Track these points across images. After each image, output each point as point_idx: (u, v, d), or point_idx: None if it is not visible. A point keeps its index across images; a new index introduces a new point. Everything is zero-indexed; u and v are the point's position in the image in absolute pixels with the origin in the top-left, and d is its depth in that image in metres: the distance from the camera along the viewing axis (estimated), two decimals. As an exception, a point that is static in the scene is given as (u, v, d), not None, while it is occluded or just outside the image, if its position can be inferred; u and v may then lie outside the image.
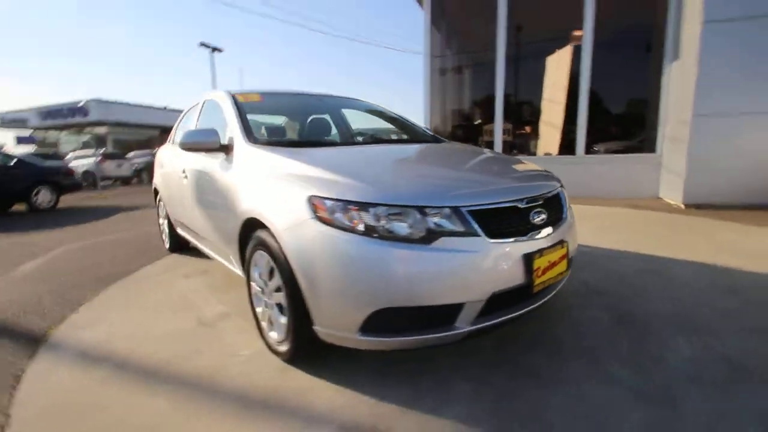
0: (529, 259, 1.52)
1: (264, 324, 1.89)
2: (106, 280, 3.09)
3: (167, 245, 3.85)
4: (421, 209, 1.41)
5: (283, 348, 1.72)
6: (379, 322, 1.40)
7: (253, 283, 1.94)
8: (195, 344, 1.99)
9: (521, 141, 7.99)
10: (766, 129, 4.76)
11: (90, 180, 14.46)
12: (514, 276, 1.49)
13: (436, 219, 1.42)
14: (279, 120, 3.19)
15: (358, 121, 3.22)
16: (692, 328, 1.96)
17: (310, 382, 1.61)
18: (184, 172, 2.78)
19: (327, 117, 2.97)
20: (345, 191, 1.47)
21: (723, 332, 1.91)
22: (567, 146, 6.70)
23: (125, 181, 16.25)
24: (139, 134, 27.37)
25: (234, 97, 2.49)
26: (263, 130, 2.54)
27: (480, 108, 9.54)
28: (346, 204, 1.44)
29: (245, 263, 1.97)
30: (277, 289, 1.69)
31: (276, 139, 2.32)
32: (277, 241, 1.61)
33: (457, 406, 1.44)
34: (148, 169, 16.46)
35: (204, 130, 2.20)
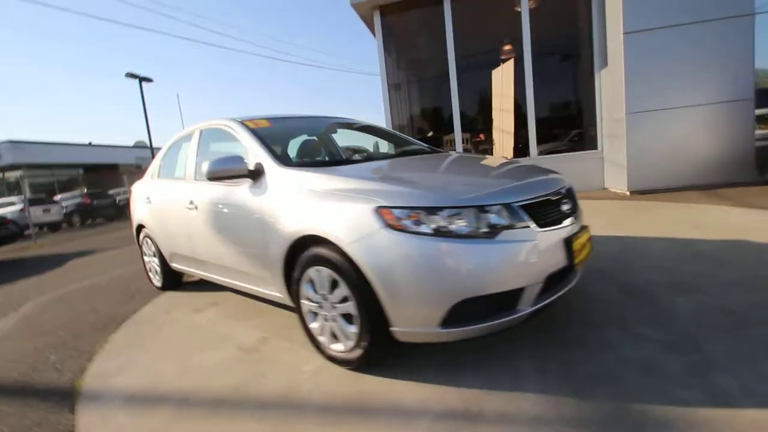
0: (569, 242, 1.75)
1: (323, 339, 1.94)
2: (107, 326, 2.90)
3: (158, 284, 3.67)
4: (481, 208, 1.60)
5: (353, 355, 1.79)
6: (457, 314, 1.55)
7: (304, 301, 1.99)
8: (252, 369, 1.98)
9: (478, 148, 8.56)
10: (683, 121, 5.59)
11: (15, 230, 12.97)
12: (560, 258, 1.72)
13: (493, 215, 1.61)
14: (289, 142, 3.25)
15: (354, 139, 3.37)
16: (683, 288, 2.32)
17: (389, 384, 1.70)
18: (192, 203, 2.73)
19: (333, 137, 3.08)
20: (409, 199, 1.62)
21: (707, 288, 2.28)
22: (521, 149, 7.31)
23: (53, 227, 14.77)
24: (60, 175, 25.15)
25: (245, 125, 2.54)
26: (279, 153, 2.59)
27: (429, 120, 10.08)
28: (413, 210, 1.58)
29: (292, 283, 2.02)
30: (343, 300, 1.78)
31: (306, 160, 2.38)
32: (342, 254, 1.70)
33: (532, 380, 1.61)
34: (80, 212, 15.75)
35: (230, 158, 2.23)
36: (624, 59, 5.62)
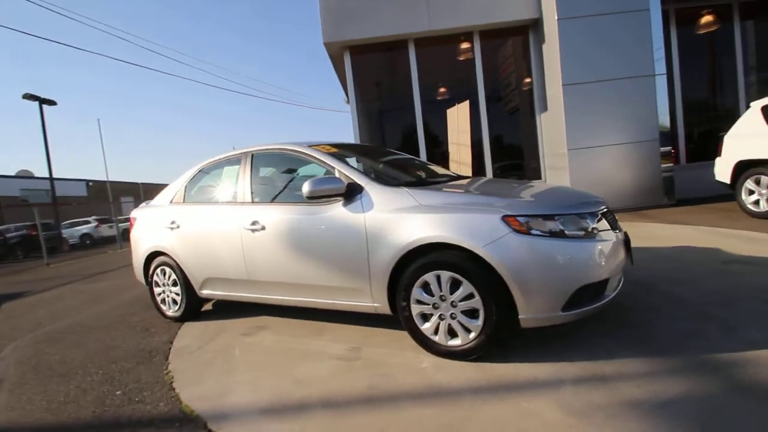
0: (627, 243, 2.28)
1: (436, 337, 2.17)
2: (149, 359, 2.71)
3: (175, 314, 3.47)
4: (581, 215, 2.05)
5: (472, 346, 2.05)
6: (574, 299, 1.94)
7: (414, 305, 2.21)
8: (370, 372, 2.11)
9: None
10: (610, 156, 6.88)
11: None
12: (624, 255, 2.23)
13: (588, 221, 2.06)
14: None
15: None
16: (673, 281, 3.01)
17: (512, 367, 2.00)
18: (256, 224, 2.77)
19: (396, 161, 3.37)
20: (529, 209, 2.01)
21: (691, 279, 3.00)
22: (478, 179, 8.20)
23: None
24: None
25: (323, 150, 2.74)
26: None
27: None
28: (534, 218, 1.97)
29: (399, 290, 2.23)
30: (466, 298, 2.05)
31: (396, 181, 2.62)
32: (469, 256, 2.00)
33: (622, 350, 2.04)
34: (25, 243, 15.28)
35: (327, 179, 2.41)
36: (564, 105, 6.81)
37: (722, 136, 5.54)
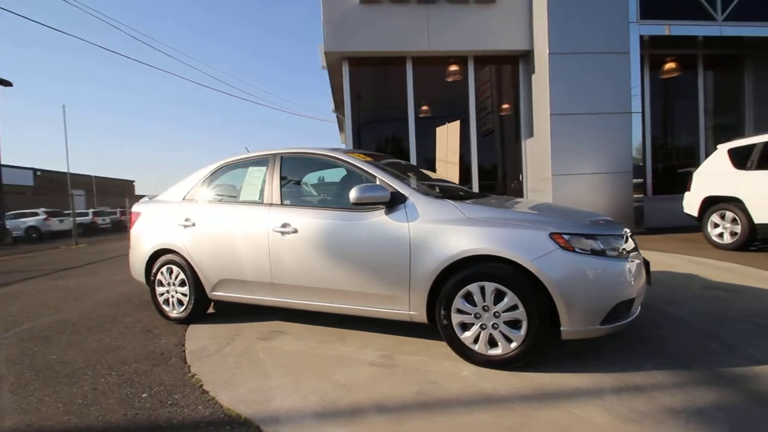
0: (647, 265, 2.48)
1: (476, 346, 2.25)
2: (163, 362, 2.59)
3: (180, 315, 3.32)
4: (615, 237, 2.22)
5: (513, 355, 2.15)
6: (612, 313, 2.09)
7: (455, 315, 2.28)
8: (414, 379, 2.15)
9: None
10: (590, 183, 7.35)
11: None
12: (645, 277, 2.42)
13: (620, 242, 2.24)
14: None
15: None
16: (667, 302, 3.27)
17: (553, 377, 2.10)
18: (286, 226, 2.75)
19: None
20: (572, 228, 2.16)
21: (682, 301, 3.28)
22: (464, 196, 8.46)
23: None
24: None
25: (362, 158, 2.78)
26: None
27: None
28: (577, 236, 2.12)
29: (439, 299, 2.30)
30: (510, 309, 2.15)
31: (439, 194, 2.68)
32: (516, 269, 2.11)
33: (646, 362, 2.21)
34: None
35: (372, 186, 2.45)
36: (550, 133, 7.24)
37: (691, 173, 6.12)
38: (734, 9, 7.51)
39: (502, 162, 8.82)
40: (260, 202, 3.00)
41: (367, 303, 2.58)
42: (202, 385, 2.21)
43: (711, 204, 5.72)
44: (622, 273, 2.13)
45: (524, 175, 8.37)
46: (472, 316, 2.25)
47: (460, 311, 2.28)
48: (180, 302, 3.33)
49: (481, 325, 2.24)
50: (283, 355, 2.58)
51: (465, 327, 2.29)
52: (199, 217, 3.20)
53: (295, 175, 3.09)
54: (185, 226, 3.24)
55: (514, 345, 2.17)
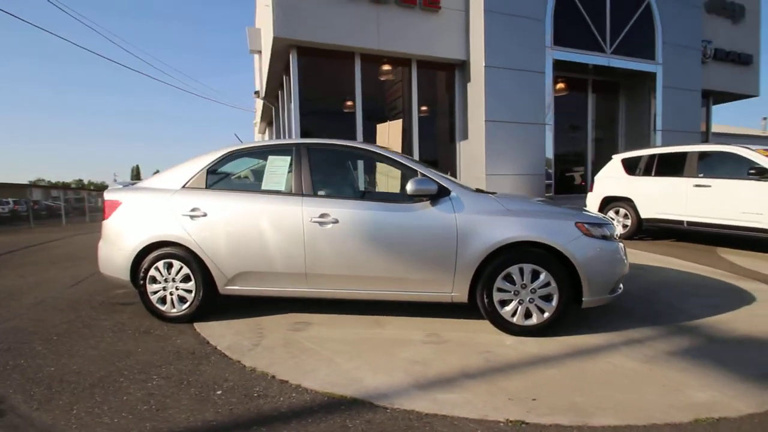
0: (624, 248, 3.17)
1: (514, 319, 2.64)
2: (202, 359, 2.44)
3: (186, 312, 3.04)
4: (612, 225, 2.82)
5: (546, 324, 2.60)
6: (614, 285, 2.68)
7: (496, 293, 2.65)
8: (468, 351, 2.45)
9: (362, 187, 9.76)
10: (515, 183, 8.49)
11: None
12: (623, 256, 3.11)
13: (615, 229, 2.85)
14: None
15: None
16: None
17: (577, 338, 2.60)
18: (325, 217, 2.79)
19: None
20: (589, 219, 2.69)
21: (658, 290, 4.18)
22: (406, 192, 8.95)
23: None
24: None
25: (392, 151, 2.95)
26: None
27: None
28: (593, 225, 2.66)
29: (481, 280, 2.64)
30: (544, 285, 2.59)
31: (478, 189, 2.97)
32: (550, 252, 2.56)
33: (633, 322, 2.86)
34: None
35: (426, 180, 2.67)
36: (485, 138, 8.14)
37: (577, 175, 7.54)
38: (618, 45, 9.38)
39: (438, 162, 9.54)
40: (289, 193, 2.95)
41: (409, 288, 2.79)
42: (274, 376, 2.18)
43: (608, 202, 7.14)
44: (622, 254, 2.74)
45: (459, 175, 9.20)
46: (511, 293, 2.64)
47: (500, 290, 2.65)
48: (182, 299, 3.06)
49: (519, 301, 2.64)
50: (331, 342, 2.64)
51: (504, 303, 2.67)
52: (211, 207, 2.99)
53: (325, 166, 3.10)
54: (192, 217, 2.99)
55: (546, 315, 2.62)
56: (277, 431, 1.70)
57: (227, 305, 3.41)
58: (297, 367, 2.30)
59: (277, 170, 3.06)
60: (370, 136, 9.08)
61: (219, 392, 2.03)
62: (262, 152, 3.17)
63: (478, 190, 3.01)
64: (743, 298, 3.40)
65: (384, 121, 9.30)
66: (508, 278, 2.64)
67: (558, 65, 9.11)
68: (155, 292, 3.09)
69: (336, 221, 2.80)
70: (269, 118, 14.74)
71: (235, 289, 3.02)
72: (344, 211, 2.81)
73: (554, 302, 2.61)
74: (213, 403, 1.92)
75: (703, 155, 5.88)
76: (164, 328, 2.99)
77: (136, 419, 1.81)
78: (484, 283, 2.66)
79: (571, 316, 2.86)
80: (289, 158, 3.06)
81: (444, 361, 2.33)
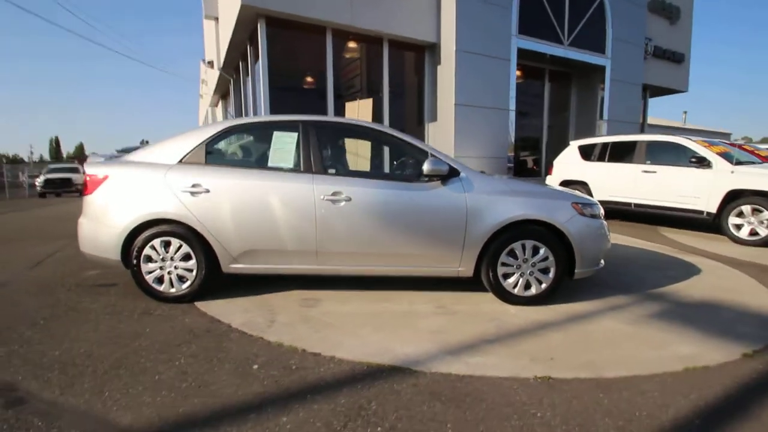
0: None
1: (515, 290, 2.88)
2: (222, 336, 2.41)
3: (185, 291, 2.93)
4: (598, 205, 3.13)
5: (543, 294, 2.87)
6: (600, 260, 3.01)
7: (500, 267, 2.86)
8: (479, 320, 2.65)
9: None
10: (482, 165, 8.85)
11: None
12: (601, 233, 3.47)
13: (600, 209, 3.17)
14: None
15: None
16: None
17: (569, 307, 2.89)
18: (338, 194, 2.80)
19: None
20: (581, 200, 2.96)
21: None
22: (375, 172, 9.00)
23: None
24: None
25: (400, 132, 3.01)
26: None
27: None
28: (584, 205, 2.94)
29: (486, 256, 2.84)
30: (543, 260, 2.84)
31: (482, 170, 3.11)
32: (550, 229, 2.81)
33: (607, 292, 3.23)
34: None
35: (438, 161, 2.77)
36: (454, 120, 8.37)
37: (552, 162, 8.08)
38: (575, 38, 9.96)
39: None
40: (298, 170, 2.92)
41: (419, 263, 2.92)
42: (304, 350, 2.23)
43: (566, 185, 7.72)
44: (607, 231, 3.07)
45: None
46: (514, 267, 2.87)
47: (504, 264, 2.87)
48: (181, 279, 2.95)
49: (520, 274, 2.88)
50: (348, 317, 2.71)
51: (506, 276, 2.89)
52: (214, 184, 2.87)
53: (333, 143, 3.09)
54: (193, 193, 2.86)
55: (543, 286, 2.89)
56: (333, 398, 1.77)
57: (227, 284, 3.33)
58: (324, 340, 2.35)
59: (284, 146, 3.01)
60: (340, 115, 8.96)
61: (256, 366, 2.05)
62: (263, 128, 3.07)
63: (482, 172, 3.19)
64: (692, 270, 3.94)
65: (354, 99, 9.23)
66: (511, 253, 2.86)
67: (520, 53, 9.50)
68: (151, 272, 2.94)
69: (349, 199, 2.83)
70: (224, 91, 13.91)
71: (241, 267, 2.97)
72: (357, 189, 2.84)
73: (551, 274, 2.88)
74: (255, 377, 1.94)
75: (651, 144, 6.55)
76: (164, 308, 2.88)
77: (180, 396, 1.79)
78: (489, 258, 2.86)
79: (561, 287, 3.17)
80: (295, 134, 3.00)
81: (460, 329, 2.51)
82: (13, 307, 2.93)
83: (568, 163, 7.71)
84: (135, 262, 2.92)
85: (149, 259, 2.93)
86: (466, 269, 2.91)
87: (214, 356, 2.16)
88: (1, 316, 2.74)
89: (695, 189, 5.73)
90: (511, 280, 2.89)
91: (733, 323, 2.63)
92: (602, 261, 3.15)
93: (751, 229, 5.20)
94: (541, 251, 2.85)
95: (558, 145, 11.26)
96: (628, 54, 11.01)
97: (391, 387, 1.86)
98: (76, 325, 2.61)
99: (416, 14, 8.38)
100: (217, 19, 10.51)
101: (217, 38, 10.62)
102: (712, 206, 5.56)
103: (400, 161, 3.43)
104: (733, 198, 5.37)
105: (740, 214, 5.31)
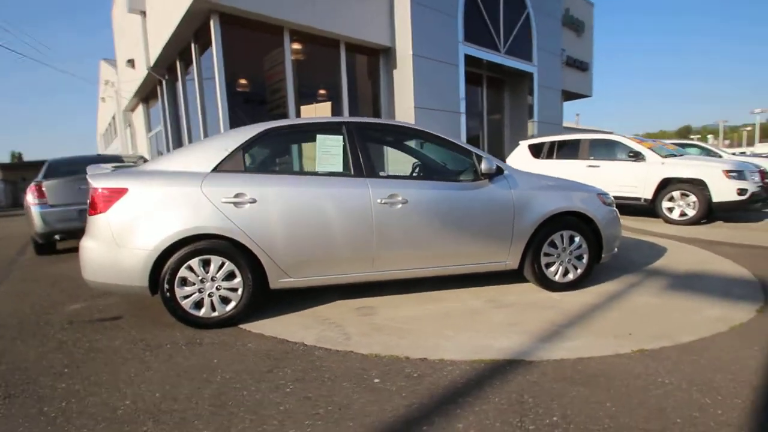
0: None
1: (556, 277, 3.12)
2: (307, 352, 2.25)
3: (230, 313, 2.66)
4: (610, 195, 3.52)
5: (578, 279, 3.16)
6: (616, 244, 3.40)
7: (543, 258, 3.08)
8: (535, 308, 2.82)
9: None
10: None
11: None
12: (601, 221, 3.90)
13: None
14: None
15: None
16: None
17: (601, 287, 3.22)
18: (393, 197, 2.77)
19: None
20: (600, 191, 3.32)
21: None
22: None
23: None
24: None
25: (444, 135, 3.08)
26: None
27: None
28: (604, 196, 3.30)
29: (531, 247, 3.05)
30: (578, 247, 3.13)
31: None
32: (584, 220, 3.11)
33: (615, 273, 3.65)
34: None
35: (491, 160, 2.88)
36: (414, 122, 8.61)
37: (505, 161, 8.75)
38: (509, 46, 10.88)
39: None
40: (350, 174, 2.82)
41: (471, 260, 3.02)
42: (408, 357, 2.18)
43: (519, 181, 8.44)
44: (619, 218, 3.47)
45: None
46: (554, 256, 3.11)
47: (546, 254, 3.09)
48: (224, 300, 2.66)
49: (560, 262, 3.13)
50: (417, 321, 2.69)
51: (548, 266, 3.12)
52: (260, 192, 2.64)
53: (379, 146, 3.03)
54: (237, 204, 2.60)
55: (579, 272, 3.18)
56: (484, 397, 1.78)
57: (258, 304, 3.07)
58: (417, 345, 2.32)
59: (331, 150, 2.88)
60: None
61: (377, 380, 1.95)
62: (304, 131, 2.91)
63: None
64: (659, 249, 4.61)
65: (311, 103, 9.00)
66: (551, 244, 3.10)
67: (466, 60, 10.11)
68: (187, 296, 2.61)
69: (405, 201, 2.81)
70: (147, 93, 12.49)
71: (291, 281, 2.77)
72: (412, 192, 2.84)
73: (585, 260, 3.18)
74: (386, 390, 1.86)
75: (593, 142, 7.46)
76: (210, 335, 2.57)
77: (332, 423, 1.64)
78: (531, 251, 3.06)
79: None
80: (340, 137, 2.90)
81: (530, 319, 2.65)
82: (12, 355, 2.37)
83: (520, 161, 8.41)
84: (168, 286, 2.56)
85: (185, 282, 2.59)
86: (512, 262, 3.08)
87: (320, 376, 2.01)
88: (3, 368, 2.20)
89: (633, 179, 6.68)
90: (553, 268, 3.13)
91: (727, 288, 3.16)
92: (617, 246, 3.56)
93: (681, 211, 6.24)
94: (576, 240, 3.13)
95: (496, 144, 12.25)
96: (549, 62, 12.36)
97: (525, 379, 1.92)
98: (115, 366, 2.21)
99: (372, 19, 8.45)
100: (144, 13, 9.42)
101: (144, 34, 9.51)
102: (648, 193, 6.54)
103: (446, 162, 3.49)
104: (665, 186, 6.39)
105: (671, 199, 6.33)
